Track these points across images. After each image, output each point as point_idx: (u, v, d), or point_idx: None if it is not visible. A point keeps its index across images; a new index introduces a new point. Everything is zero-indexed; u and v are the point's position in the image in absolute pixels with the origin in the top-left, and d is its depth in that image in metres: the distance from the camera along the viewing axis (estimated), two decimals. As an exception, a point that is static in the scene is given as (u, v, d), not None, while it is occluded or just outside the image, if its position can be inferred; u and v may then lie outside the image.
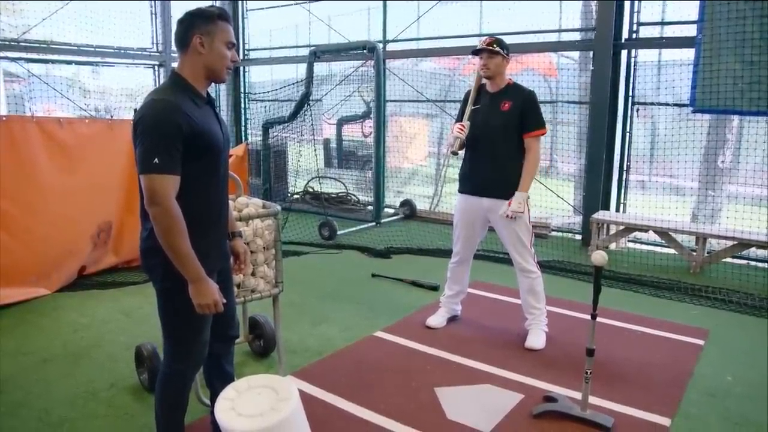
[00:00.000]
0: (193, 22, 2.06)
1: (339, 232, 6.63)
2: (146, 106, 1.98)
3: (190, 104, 2.03)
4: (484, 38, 3.66)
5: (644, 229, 5.93)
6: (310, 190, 8.51)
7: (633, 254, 5.94)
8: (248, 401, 2.10)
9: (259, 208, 3.15)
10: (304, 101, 7.93)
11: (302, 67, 8.24)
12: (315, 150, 8.01)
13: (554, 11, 7.27)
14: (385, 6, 8.01)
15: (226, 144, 2.27)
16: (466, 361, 3.59)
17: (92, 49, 8.12)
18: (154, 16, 8.93)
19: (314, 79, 8.25)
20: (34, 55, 7.58)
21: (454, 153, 3.75)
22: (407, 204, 7.94)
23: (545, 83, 8.11)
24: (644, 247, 6.39)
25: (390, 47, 8.16)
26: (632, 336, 4.03)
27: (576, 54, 7.64)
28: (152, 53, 9.00)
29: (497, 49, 3.57)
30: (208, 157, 2.10)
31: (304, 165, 8.27)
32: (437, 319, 4.14)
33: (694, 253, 5.65)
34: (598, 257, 2.68)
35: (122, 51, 8.50)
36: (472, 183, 3.79)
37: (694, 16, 5.40)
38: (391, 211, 8.17)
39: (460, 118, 3.86)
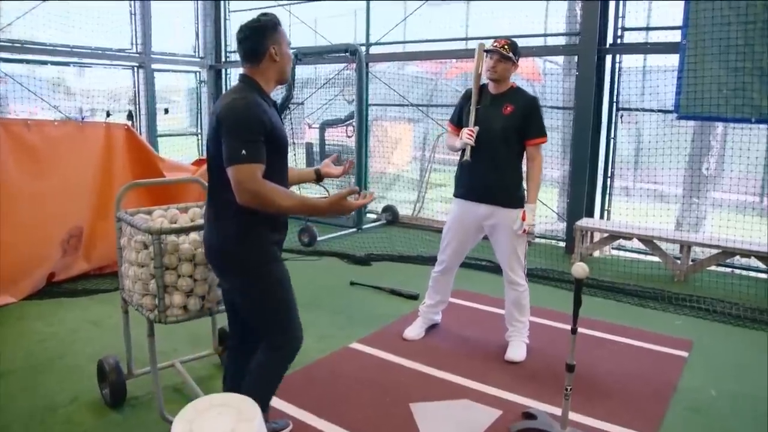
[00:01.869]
0: (265, 34, 2.24)
1: (319, 238, 6.50)
2: (229, 104, 2.16)
3: (265, 105, 2.22)
4: (498, 39, 3.52)
5: (628, 236, 5.86)
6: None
7: (617, 262, 5.87)
8: (207, 423, 1.96)
9: (227, 216, 3.03)
10: (285, 104, 7.81)
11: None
12: (295, 154, 7.87)
13: (540, 15, 7.21)
14: (368, 8, 7.90)
15: None
16: (443, 374, 3.48)
17: (68, 49, 7.92)
18: (133, 16, 8.74)
19: (297, 83, 8.15)
20: (8, 55, 7.37)
21: (467, 162, 3.55)
22: (389, 209, 7.82)
23: (530, 88, 8.02)
24: (628, 254, 6.32)
25: (375, 50, 8.05)
26: (615, 347, 3.93)
27: (558, 59, 7.58)
28: (131, 54, 8.80)
29: (509, 54, 3.45)
30: (279, 152, 2.28)
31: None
32: (415, 331, 4.02)
33: (679, 262, 5.58)
34: (579, 270, 2.58)
35: (100, 52, 8.30)
36: (469, 187, 3.64)
37: (680, 22, 5.33)
38: (373, 216, 8.04)
39: (457, 120, 3.74)
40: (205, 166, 5.73)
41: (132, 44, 8.81)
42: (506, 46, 3.45)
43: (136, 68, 8.91)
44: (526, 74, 8.38)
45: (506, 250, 3.62)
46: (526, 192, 3.58)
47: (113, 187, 5.14)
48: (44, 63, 7.90)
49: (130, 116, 5.59)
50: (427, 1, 7.51)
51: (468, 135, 3.49)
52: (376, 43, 8.01)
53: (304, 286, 5.10)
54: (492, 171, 3.53)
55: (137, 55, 8.84)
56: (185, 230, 2.72)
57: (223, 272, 2.42)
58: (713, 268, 5.59)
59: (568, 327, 2.70)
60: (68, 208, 4.96)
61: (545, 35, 7.05)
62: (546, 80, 8.19)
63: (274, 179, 2.19)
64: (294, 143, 7.97)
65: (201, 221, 3.00)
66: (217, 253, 2.35)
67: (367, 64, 7.90)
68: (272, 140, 2.19)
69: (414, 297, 4.80)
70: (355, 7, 8.96)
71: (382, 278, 5.34)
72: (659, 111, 6.00)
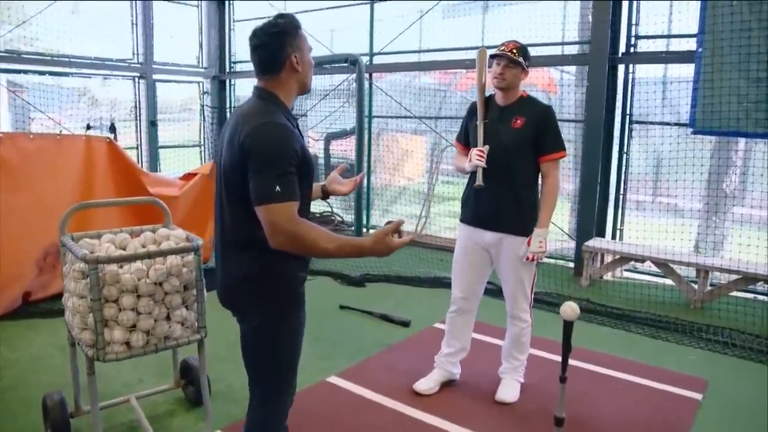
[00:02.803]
0: (284, 40, 1.95)
1: (314, 256, 6.19)
2: (259, 131, 1.84)
3: (292, 126, 1.94)
4: (505, 42, 3.11)
5: (641, 259, 5.47)
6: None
7: (628, 286, 5.46)
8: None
9: (181, 241, 2.75)
10: (286, 116, 7.57)
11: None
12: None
13: (557, 22, 6.83)
14: (372, 15, 7.63)
15: None
16: (424, 415, 3.14)
17: (66, 59, 7.77)
18: (134, 26, 8.59)
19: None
20: (5, 65, 7.24)
21: (481, 186, 3.08)
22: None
23: (546, 99, 7.69)
24: (641, 277, 5.92)
25: (380, 60, 7.78)
26: (619, 386, 3.56)
27: (572, 70, 7.22)
28: (132, 64, 8.64)
29: (519, 58, 3.03)
30: (307, 182, 2.00)
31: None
32: (427, 384, 3.42)
33: (695, 287, 5.17)
34: (568, 311, 2.23)
35: (99, 62, 8.14)
36: (475, 212, 3.21)
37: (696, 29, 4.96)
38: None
39: (465, 138, 3.33)
40: (192, 181, 5.57)
41: (133, 54, 8.67)
42: (515, 50, 3.04)
43: (137, 78, 8.75)
44: (542, 84, 8.03)
45: (511, 281, 3.20)
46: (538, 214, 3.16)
47: (94, 202, 4.92)
48: (42, 74, 7.78)
49: (112, 129, 5.36)
50: (439, 2, 7.22)
51: (478, 156, 3.06)
52: (380, 53, 7.74)
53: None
54: (503, 193, 3.09)
55: (138, 65, 8.68)
56: (126, 259, 2.43)
57: (246, 313, 2.09)
58: (734, 293, 5.16)
59: (572, 362, 2.35)
60: (45, 224, 4.69)
61: (557, 44, 6.69)
62: (561, 91, 7.83)
63: (302, 212, 1.93)
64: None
65: (150, 248, 2.73)
66: (237, 292, 2.06)
67: (370, 75, 7.64)
68: (302, 169, 1.91)
69: (405, 324, 4.47)
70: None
71: (375, 301, 5.02)
72: (675, 125, 5.61)
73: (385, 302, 5.02)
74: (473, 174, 3.17)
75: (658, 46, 5.80)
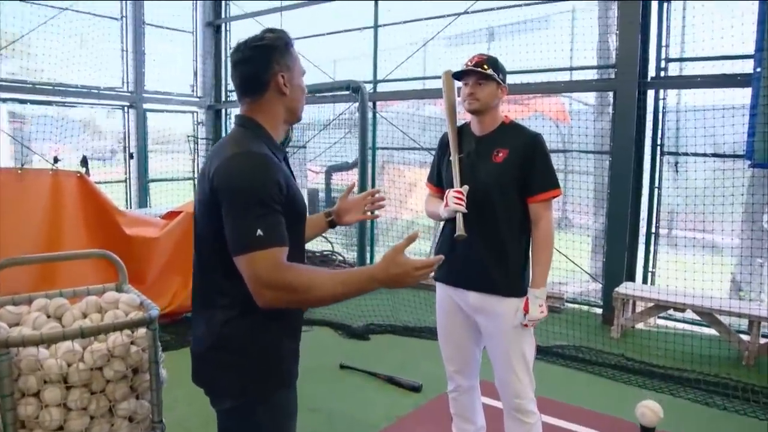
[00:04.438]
0: (270, 56, 1.63)
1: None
2: (229, 163, 1.52)
3: (275, 158, 1.59)
4: (472, 56, 2.51)
5: (680, 308, 4.82)
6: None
7: (667, 336, 4.78)
8: None
9: (133, 309, 2.15)
10: (283, 146, 7.05)
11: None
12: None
13: (566, 48, 6.34)
14: (376, 41, 7.14)
15: None
16: None
17: (51, 87, 7.28)
18: (125, 53, 8.12)
19: (300, 123, 7.43)
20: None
21: (463, 236, 2.38)
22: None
23: (556, 130, 7.14)
24: (679, 326, 5.26)
25: (383, 88, 7.28)
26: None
27: (589, 98, 6.68)
28: (122, 93, 8.15)
29: (490, 71, 2.41)
30: (295, 224, 1.63)
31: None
32: None
33: (746, 338, 4.52)
34: (648, 413, 1.63)
35: (86, 90, 7.65)
36: (451, 268, 2.47)
37: (740, 50, 4.41)
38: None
39: (437, 178, 2.70)
40: (175, 220, 4.99)
41: (123, 83, 8.19)
42: (483, 64, 2.41)
43: (126, 108, 8.25)
44: (553, 114, 7.49)
45: (507, 359, 2.45)
46: (531, 271, 2.48)
47: (63, 244, 4.36)
48: (23, 102, 7.29)
49: (84, 162, 4.82)
50: (443, 29, 6.73)
51: (456, 199, 2.39)
52: (384, 80, 7.23)
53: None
54: (482, 243, 2.44)
55: (128, 94, 8.19)
56: (49, 340, 1.83)
57: (214, 393, 1.68)
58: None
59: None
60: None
61: (573, 69, 6.17)
62: (575, 121, 7.28)
63: (291, 256, 1.55)
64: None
65: (92, 317, 2.13)
66: (204, 365, 1.66)
67: (374, 104, 7.12)
68: (289, 208, 1.57)
69: (416, 389, 3.82)
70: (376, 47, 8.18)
71: (380, 359, 4.39)
72: (714, 155, 5.02)
73: (392, 359, 4.39)
74: (449, 221, 2.52)
75: (694, 69, 5.25)
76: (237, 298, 1.55)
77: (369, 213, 2.12)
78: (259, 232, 1.46)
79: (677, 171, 5.15)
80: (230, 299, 1.58)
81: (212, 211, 1.54)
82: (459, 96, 2.54)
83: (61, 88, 7.36)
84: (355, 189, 6.69)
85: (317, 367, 4.22)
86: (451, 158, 2.52)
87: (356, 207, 2.09)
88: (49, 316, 2.13)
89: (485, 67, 2.41)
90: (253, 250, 1.46)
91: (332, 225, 2.07)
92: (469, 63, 2.45)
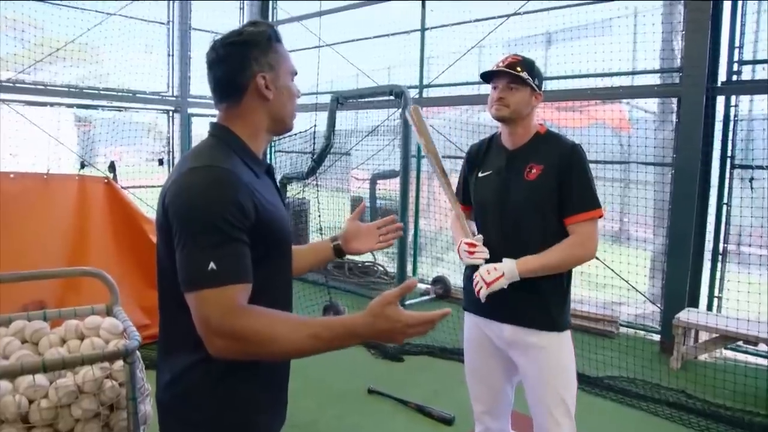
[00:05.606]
0: (248, 53, 1.36)
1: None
2: (184, 178, 1.27)
3: (250, 175, 1.33)
4: (503, 57, 2.20)
5: (753, 341, 4.31)
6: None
7: (736, 370, 4.27)
8: None
9: (114, 337, 1.91)
10: (324, 154, 6.85)
11: (341, 115, 7.06)
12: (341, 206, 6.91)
13: (627, 51, 5.86)
14: (422, 42, 6.83)
15: None
16: None
17: (97, 92, 7.30)
18: (171, 57, 8.11)
19: (343, 130, 7.24)
20: (29, 98, 6.80)
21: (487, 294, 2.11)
22: (440, 281, 6.53)
23: (617, 140, 6.66)
24: (751, 359, 4.71)
25: (433, 93, 6.99)
26: None
27: (650, 105, 6.18)
28: (167, 97, 8.14)
29: (524, 74, 2.11)
30: (274, 256, 1.37)
31: (327, 223, 7.05)
32: None
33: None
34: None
35: (131, 94, 7.66)
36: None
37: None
38: (423, 287, 6.73)
39: (462, 195, 2.40)
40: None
41: (168, 87, 8.17)
42: (516, 65, 2.12)
43: (171, 112, 8.23)
44: (613, 123, 7.00)
45: (542, 403, 2.14)
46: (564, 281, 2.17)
47: (88, 253, 4.25)
48: (70, 106, 7.34)
49: (111, 167, 4.70)
50: (495, 33, 6.37)
51: (468, 252, 2.15)
52: (431, 86, 6.93)
53: (307, 394, 3.88)
54: None
55: (173, 98, 8.17)
56: (6, 374, 1.61)
57: None
58: None
59: None
60: (26, 277, 4.04)
61: (634, 73, 5.70)
62: (633, 129, 6.78)
63: (269, 297, 1.31)
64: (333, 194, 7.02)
65: (70, 344, 1.91)
66: (169, 417, 1.39)
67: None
68: (262, 234, 1.29)
69: (447, 422, 3.49)
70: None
71: (412, 383, 4.06)
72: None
73: (425, 385, 4.06)
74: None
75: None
76: (194, 344, 1.26)
77: (382, 243, 1.81)
78: (212, 265, 1.19)
79: (752, 187, 4.61)
80: (195, 341, 1.29)
81: (169, 236, 1.28)
82: (487, 103, 2.22)
83: (106, 93, 7.38)
84: (396, 196, 6.45)
85: (344, 392, 3.94)
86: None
87: (368, 234, 1.79)
88: (25, 341, 1.92)
89: (519, 69, 2.10)
90: (203, 287, 1.19)
91: (339, 253, 1.75)
92: (501, 63, 2.15)
